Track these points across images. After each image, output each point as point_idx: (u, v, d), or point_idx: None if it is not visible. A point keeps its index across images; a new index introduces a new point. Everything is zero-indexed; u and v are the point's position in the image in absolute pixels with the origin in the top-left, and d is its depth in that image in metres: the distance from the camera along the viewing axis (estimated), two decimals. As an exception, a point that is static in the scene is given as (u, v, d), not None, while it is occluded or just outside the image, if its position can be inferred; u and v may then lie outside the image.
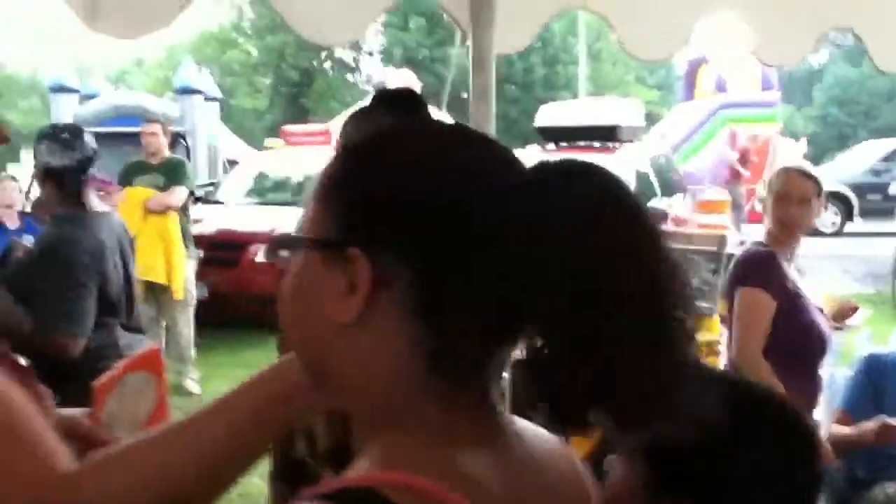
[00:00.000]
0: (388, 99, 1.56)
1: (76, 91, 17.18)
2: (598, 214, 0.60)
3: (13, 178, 6.13)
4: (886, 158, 15.99)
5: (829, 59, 33.69)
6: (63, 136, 2.44)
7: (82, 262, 2.41)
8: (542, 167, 0.64)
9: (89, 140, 2.51)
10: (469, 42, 2.26)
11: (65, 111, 16.25)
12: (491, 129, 2.31)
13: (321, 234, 0.63)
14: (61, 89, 16.87)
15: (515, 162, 0.65)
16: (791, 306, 2.43)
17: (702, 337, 3.54)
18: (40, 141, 2.43)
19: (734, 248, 4.77)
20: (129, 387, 1.13)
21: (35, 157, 2.47)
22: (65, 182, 2.47)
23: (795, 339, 2.45)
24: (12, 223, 5.44)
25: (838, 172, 15.39)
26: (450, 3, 2.22)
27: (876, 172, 14.99)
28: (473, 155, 0.64)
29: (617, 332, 0.57)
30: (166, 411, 1.16)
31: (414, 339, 0.60)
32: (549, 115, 9.16)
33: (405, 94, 1.59)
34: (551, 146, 8.87)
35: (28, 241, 3.62)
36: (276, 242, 0.68)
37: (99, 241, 2.49)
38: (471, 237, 0.59)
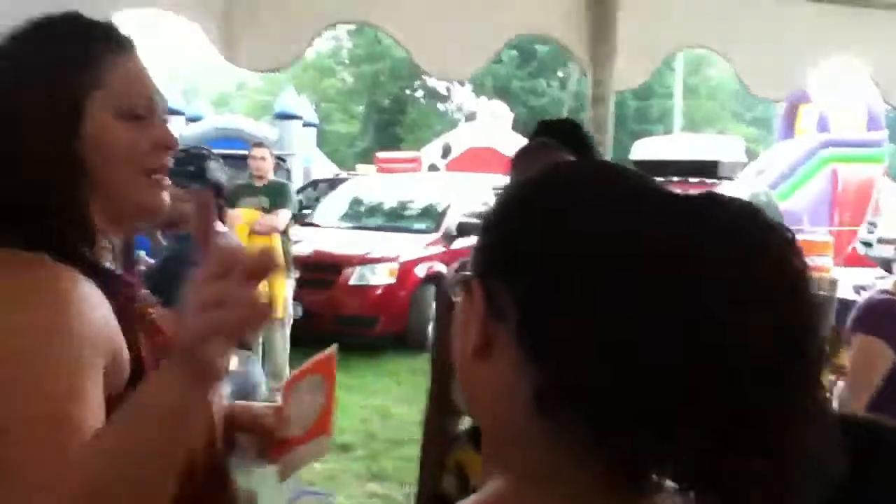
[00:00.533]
0: (556, 133, 1.62)
1: (182, 113, 18.05)
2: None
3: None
4: None
5: (940, 98, 32.14)
6: (201, 161, 2.56)
7: None
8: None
9: (218, 164, 2.63)
10: (588, 77, 2.28)
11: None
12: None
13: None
14: (169, 111, 17.55)
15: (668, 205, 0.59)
16: None
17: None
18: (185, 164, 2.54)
19: (848, 293, 4.61)
20: (305, 388, 1.19)
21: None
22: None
23: None
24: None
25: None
26: (569, 40, 2.25)
27: None
28: (624, 210, 0.59)
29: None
30: (332, 414, 1.18)
31: (526, 377, 0.58)
32: (646, 148, 9.06)
33: (571, 126, 1.64)
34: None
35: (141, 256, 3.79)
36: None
37: None
38: (586, 291, 0.56)
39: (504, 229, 0.63)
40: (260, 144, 5.93)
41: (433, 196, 9.13)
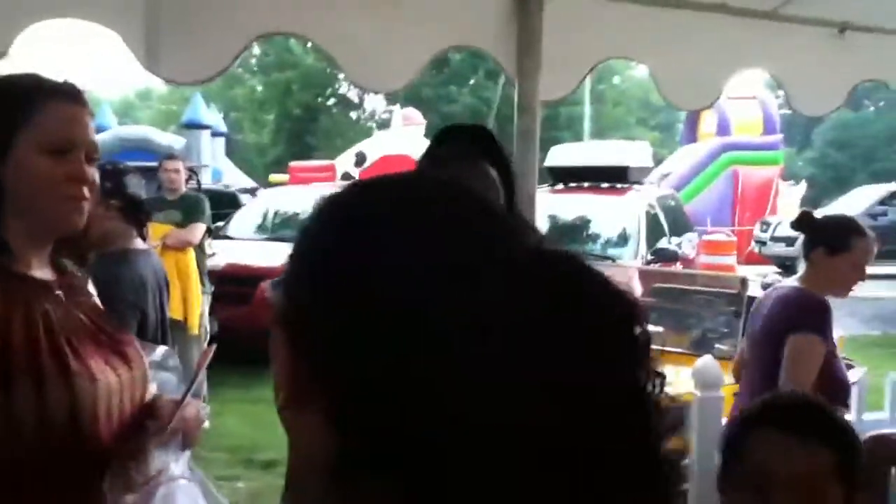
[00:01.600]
0: (457, 134, 1.57)
1: (83, 124, 17.30)
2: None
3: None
4: (882, 202, 16.13)
5: (827, 103, 34.00)
6: (118, 177, 2.47)
7: (126, 298, 2.42)
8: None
9: (136, 179, 2.54)
10: (516, 88, 2.30)
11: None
12: (534, 174, 2.34)
13: None
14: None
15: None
16: (831, 355, 2.46)
17: (728, 380, 3.54)
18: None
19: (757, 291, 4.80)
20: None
21: None
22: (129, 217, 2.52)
23: (833, 387, 2.46)
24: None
25: (837, 216, 15.50)
26: (498, 51, 2.27)
27: (873, 216, 15.13)
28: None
29: None
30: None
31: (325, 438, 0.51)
32: (559, 155, 9.23)
33: (485, 134, 1.58)
34: (559, 186, 8.93)
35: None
36: None
37: (141, 278, 2.50)
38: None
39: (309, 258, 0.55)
40: (172, 157, 5.76)
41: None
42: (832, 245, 2.52)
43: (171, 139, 17.55)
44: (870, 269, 2.57)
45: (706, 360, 3.16)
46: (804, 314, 2.46)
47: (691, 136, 17.65)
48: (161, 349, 1.51)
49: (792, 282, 2.68)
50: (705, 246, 9.63)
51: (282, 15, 2.01)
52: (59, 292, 1.32)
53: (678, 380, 3.37)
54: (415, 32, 2.13)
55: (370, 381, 0.48)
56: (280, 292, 0.56)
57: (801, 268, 2.65)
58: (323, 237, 0.55)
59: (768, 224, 14.81)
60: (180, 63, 1.96)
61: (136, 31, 1.91)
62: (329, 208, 0.56)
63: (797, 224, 2.67)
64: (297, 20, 2.02)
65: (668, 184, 13.92)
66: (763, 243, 14.68)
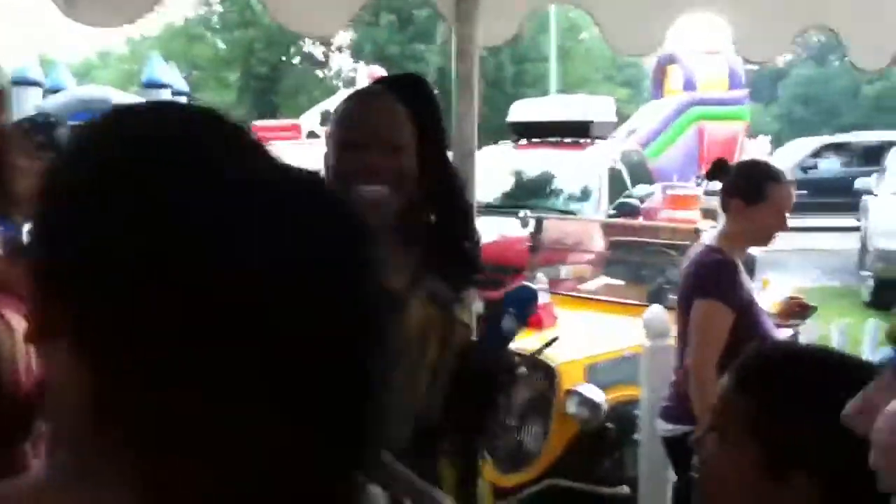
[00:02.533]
0: (394, 84, 1.52)
1: (40, 84, 16.84)
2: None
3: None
4: (815, 154, 16.41)
5: (793, 58, 34.22)
6: (50, 130, 2.38)
7: None
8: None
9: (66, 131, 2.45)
10: (453, 33, 2.25)
11: (28, 104, 15.92)
12: (474, 121, 2.30)
13: None
14: (24, 82, 16.52)
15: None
16: (747, 316, 2.40)
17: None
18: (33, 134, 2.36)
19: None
20: None
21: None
22: None
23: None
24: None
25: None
26: (435, -3, 2.21)
27: (804, 169, 15.43)
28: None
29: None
30: None
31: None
32: (521, 111, 9.18)
33: (412, 80, 1.56)
34: (523, 142, 8.89)
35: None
36: None
37: None
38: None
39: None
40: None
41: (310, 164, 8.91)
42: (748, 194, 2.43)
43: (129, 99, 17.14)
44: (803, 222, 2.53)
45: (655, 309, 3.18)
46: (707, 278, 2.40)
47: (658, 92, 17.63)
48: None
49: (711, 236, 2.62)
50: (669, 200, 9.67)
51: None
52: None
53: (634, 331, 3.39)
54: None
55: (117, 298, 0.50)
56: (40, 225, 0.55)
57: (721, 220, 2.59)
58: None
59: (700, 178, 14.84)
60: (100, 5, 1.87)
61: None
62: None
63: (710, 174, 2.61)
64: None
65: (634, 140, 13.93)
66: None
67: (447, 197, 1.50)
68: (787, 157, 15.46)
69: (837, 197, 13.51)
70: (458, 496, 1.48)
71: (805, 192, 13.55)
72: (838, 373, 0.97)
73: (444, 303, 1.45)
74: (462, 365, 1.45)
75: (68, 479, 0.53)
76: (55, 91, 16.66)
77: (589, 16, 2.46)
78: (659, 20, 2.53)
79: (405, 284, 1.41)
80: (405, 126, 1.41)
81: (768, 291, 4.79)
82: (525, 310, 1.47)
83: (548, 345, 1.72)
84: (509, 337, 1.45)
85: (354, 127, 1.42)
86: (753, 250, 4.97)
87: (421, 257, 1.46)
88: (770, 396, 0.97)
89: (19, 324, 1.23)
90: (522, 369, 1.53)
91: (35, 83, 16.76)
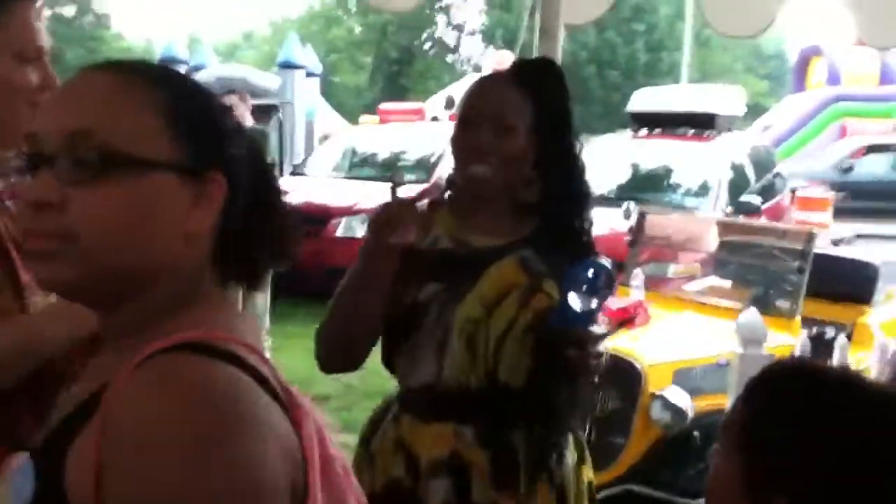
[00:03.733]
0: (522, 69, 1.58)
1: (185, 62, 17.80)
2: None
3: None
4: (854, 155, 14.11)
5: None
6: None
7: None
8: None
9: None
10: (537, 10, 2.15)
11: (173, 82, 16.80)
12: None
13: (177, 158, 0.76)
14: (172, 61, 17.51)
15: None
16: None
17: (781, 339, 3.32)
18: None
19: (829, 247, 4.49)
20: None
21: None
22: None
23: None
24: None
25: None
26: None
27: (843, 171, 13.25)
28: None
29: None
30: None
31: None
32: (642, 99, 8.82)
33: (541, 64, 1.61)
34: (643, 132, 8.56)
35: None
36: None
37: None
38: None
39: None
40: (231, 91, 5.81)
41: (429, 147, 8.96)
42: None
43: (267, 79, 17.84)
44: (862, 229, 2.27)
45: (749, 314, 2.97)
46: None
47: (800, 86, 16.64)
48: None
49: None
50: (799, 202, 9.10)
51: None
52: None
53: (724, 336, 3.19)
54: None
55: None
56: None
57: None
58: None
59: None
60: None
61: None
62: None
63: None
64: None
65: (770, 135, 13.17)
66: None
67: (561, 179, 1.53)
68: (827, 158, 13.61)
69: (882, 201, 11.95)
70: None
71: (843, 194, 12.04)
72: (843, 401, 0.87)
73: (535, 271, 1.49)
74: (533, 333, 1.46)
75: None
76: (199, 69, 17.59)
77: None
78: (763, 3, 2.33)
79: (501, 244, 1.50)
80: (520, 109, 1.49)
81: (893, 305, 4.40)
82: (595, 284, 1.40)
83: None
84: (581, 316, 1.39)
85: (470, 107, 1.52)
86: (882, 259, 4.60)
87: (528, 231, 1.52)
88: (760, 415, 0.88)
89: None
90: (601, 348, 1.45)
91: (181, 61, 17.73)
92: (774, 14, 2.38)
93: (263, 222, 0.84)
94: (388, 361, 1.56)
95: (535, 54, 2.20)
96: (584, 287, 1.38)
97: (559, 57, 2.20)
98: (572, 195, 1.55)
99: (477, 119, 1.49)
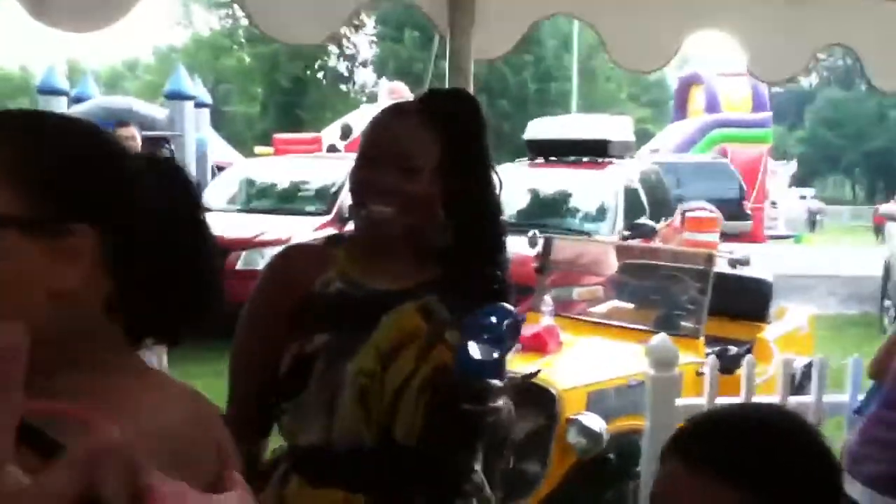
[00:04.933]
0: (432, 101, 1.44)
1: (66, 93, 17.03)
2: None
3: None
4: None
5: (819, 81, 33.93)
6: None
7: None
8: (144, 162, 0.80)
9: None
10: (447, 45, 2.16)
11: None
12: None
13: (20, 212, 0.70)
14: (51, 91, 16.71)
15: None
16: None
17: (687, 359, 3.42)
18: None
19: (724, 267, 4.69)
20: None
21: None
22: None
23: None
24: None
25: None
26: (429, 6, 2.12)
27: None
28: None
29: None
30: None
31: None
32: (538, 128, 9.07)
33: (452, 96, 1.48)
34: (539, 160, 8.78)
35: None
36: None
37: None
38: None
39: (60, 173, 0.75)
40: (124, 124, 5.59)
41: (328, 177, 8.89)
42: None
43: (154, 110, 17.28)
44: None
45: (660, 338, 3.05)
46: None
47: (681, 113, 17.50)
48: None
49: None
50: (689, 222, 9.52)
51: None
52: None
53: (641, 358, 3.27)
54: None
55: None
56: None
57: None
58: None
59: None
60: (68, 11, 1.80)
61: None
62: None
63: None
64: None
65: (657, 159, 13.77)
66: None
67: (472, 220, 1.41)
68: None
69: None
70: None
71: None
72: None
73: (437, 319, 1.36)
74: (431, 387, 1.34)
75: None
76: (81, 100, 16.85)
77: (591, 29, 2.36)
78: (666, 37, 2.43)
79: (401, 289, 1.37)
80: (427, 147, 1.36)
81: (784, 320, 4.63)
82: (498, 333, 1.30)
83: (530, 376, 1.59)
84: (482, 366, 1.29)
85: (372, 143, 1.39)
86: (772, 276, 4.86)
87: (434, 275, 1.40)
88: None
89: None
90: (500, 402, 1.37)
91: (61, 91, 16.96)
92: (675, 49, 2.48)
93: (180, 266, 0.78)
94: (275, 416, 1.41)
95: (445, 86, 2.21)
96: (486, 335, 1.28)
97: (470, 90, 2.21)
98: (484, 238, 1.43)
99: (379, 157, 1.36)
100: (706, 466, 0.90)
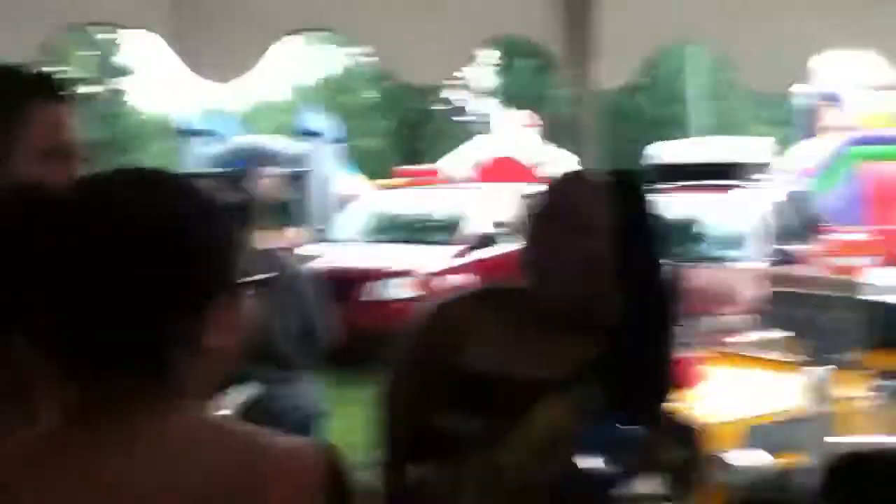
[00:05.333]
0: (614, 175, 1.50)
1: (205, 134, 18.15)
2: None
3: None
4: None
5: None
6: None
7: None
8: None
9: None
10: (567, 76, 2.17)
11: (192, 154, 17.22)
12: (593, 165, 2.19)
13: None
14: (191, 132, 17.87)
15: None
16: None
17: (848, 393, 3.18)
18: None
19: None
20: None
21: None
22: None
23: None
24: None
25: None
26: (545, 38, 2.14)
27: None
28: None
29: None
30: None
31: None
32: (665, 152, 8.86)
33: (618, 176, 1.52)
34: (666, 185, 8.57)
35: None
36: None
37: None
38: None
39: None
40: (257, 162, 5.90)
41: (453, 208, 9.04)
42: None
43: (287, 147, 18.14)
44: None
45: (817, 370, 2.90)
46: None
47: (813, 131, 16.65)
48: None
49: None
50: (840, 246, 8.98)
51: (313, 10, 1.97)
52: None
53: (790, 391, 3.12)
54: (453, 23, 2.03)
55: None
56: None
57: None
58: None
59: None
60: (216, 62, 1.95)
61: (176, 33, 1.92)
62: None
63: None
64: (329, 14, 1.97)
65: (789, 181, 13.14)
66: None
67: (640, 301, 1.38)
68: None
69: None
70: None
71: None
72: None
73: (588, 414, 1.33)
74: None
75: None
76: (219, 140, 17.90)
77: (717, 53, 2.31)
78: (797, 55, 2.34)
79: (554, 376, 1.33)
80: (602, 211, 1.39)
81: None
82: (619, 452, 1.27)
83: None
84: (594, 481, 1.26)
85: (549, 203, 1.42)
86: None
87: (593, 354, 1.37)
88: None
89: None
90: None
91: (201, 133, 18.08)
92: (805, 69, 2.39)
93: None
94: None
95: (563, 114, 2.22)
96: (603, 452, 1.24)
97: (593, 122, 2.21)
98: (651, 322, 1.39)
99: (556, 216, 1.39)
100: None
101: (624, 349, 1.35)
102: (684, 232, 7.99)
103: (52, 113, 1.20)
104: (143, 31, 1.91)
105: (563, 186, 1.47)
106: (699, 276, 4.85)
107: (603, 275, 1.36)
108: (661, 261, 1.42)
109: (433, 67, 2.08)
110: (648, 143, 9.59)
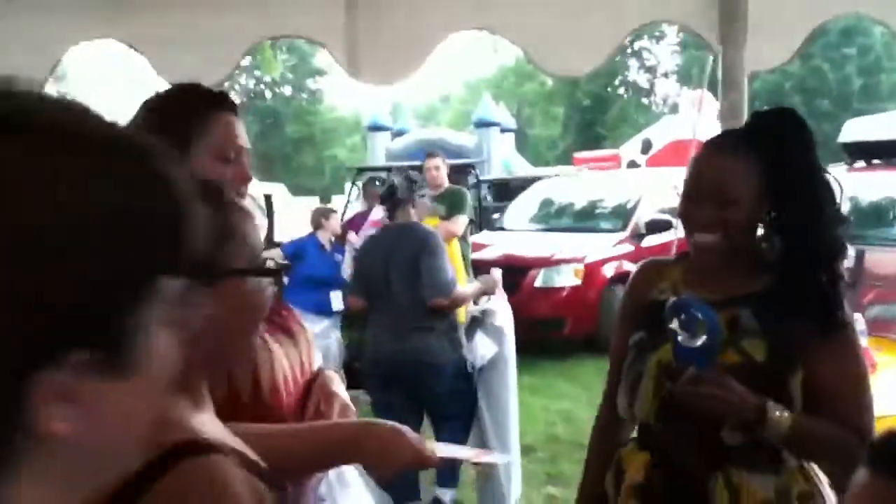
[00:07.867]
0: (753, 126, 1.60)
1: (389, 129, 19.02)
2: None
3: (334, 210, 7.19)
4: None
5: None
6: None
7: None
8: None
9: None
10: (719, 59, 2.15)
11: (379, 147, 18.13)
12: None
13: None
14: (377, 128, 18.81)
15: None
16: None
17: None
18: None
19: None
20: None
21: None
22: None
23: None
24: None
25: None
26: (699, 22, 2.13)
27: None
28: None
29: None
30: None
31: None
32: (858, 129, 8.21)
33: (772, 119, 1.59)
34: (860, 163, 7.95)
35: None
36: None
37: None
38: None
39: None
40: (432, 155, 6.11)
41: (624, 194, 8.90)
42: None
43: (464, 138, 18.62)
44: None
45: None
46: None
47: None
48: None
49: None
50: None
51: (469, 12, 2.09)
52: None
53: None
54: (603, 14, 2.08)
55: None
56: None
57: None
58: None
59: None
60: (379, 66, 2.12)
61: (339, 41, 2.11)
62: None
63: None
64: (483, 15, 2.08)
65: None
66: None
67: (800, 234, 1.50)
68: None
69: None
70: None
71: None
72: None
73: (741, 329, 1.50)
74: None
75: None
76: (401, 134, 18.72)
77: (884, 27, 2.19)
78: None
79: (717, 300, 1.49)
80: (744, 178, 1.50)
81: None
82: (690, 326, 1.43)
83: None
84: (689, 352, 1.43)
85: (692, 179, 1.56)
86: None
87: (762, 286, 1.52)
88: None
89: (274, 343, 1.44)
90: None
91: (385, 128, 18.99)
92: None
93: None
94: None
95: (719, 102, 2.20)
96: (681, 324, 1.43)
97: (744, 105, 2.18)
98: (815, 249, 1.49)
99: (698, 195, 1.52)
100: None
101: (789, 276, 1.50)
102: (883, 213, 7.39)
103: (226, 122, 1.43)
104: (319, 44, 2.12)
105: (702, 161, 1.56)
106: (888, 262, 4.53)
107: (749, 231, 1.53)
108: (819, 191, 1.50)
109: (585, 57, 2.14)
110: (853, 116, 8.88)
